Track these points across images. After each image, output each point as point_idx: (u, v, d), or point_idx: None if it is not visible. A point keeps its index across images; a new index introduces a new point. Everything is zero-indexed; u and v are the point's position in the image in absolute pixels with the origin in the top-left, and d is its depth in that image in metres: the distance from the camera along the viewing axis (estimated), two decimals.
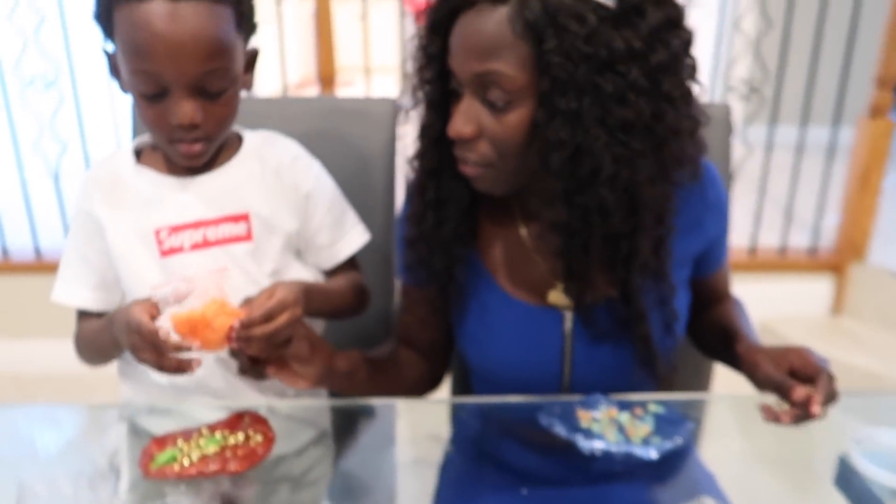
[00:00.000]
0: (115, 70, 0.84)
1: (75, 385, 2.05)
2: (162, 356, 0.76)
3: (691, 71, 0.76)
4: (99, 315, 0.93)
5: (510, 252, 0.90)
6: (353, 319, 1.01)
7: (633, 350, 0.85)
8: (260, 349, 0.77)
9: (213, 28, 0.78)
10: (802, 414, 0.72)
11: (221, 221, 0.89)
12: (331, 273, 1.00)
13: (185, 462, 0.74)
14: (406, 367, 0.99)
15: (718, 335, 0.93)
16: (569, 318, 0.88)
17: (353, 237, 0.99)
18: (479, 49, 0.72)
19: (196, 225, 0.88)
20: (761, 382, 0.78)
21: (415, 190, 0.88)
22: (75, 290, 0.92)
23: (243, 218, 0.90)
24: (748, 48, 2.24)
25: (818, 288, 2.36)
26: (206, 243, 0.89)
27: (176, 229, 0.88)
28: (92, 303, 0.92)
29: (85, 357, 0.95)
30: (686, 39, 0.74)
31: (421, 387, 1.02)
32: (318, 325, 1.02)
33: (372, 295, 1.04)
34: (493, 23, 0.71)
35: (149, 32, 0.76)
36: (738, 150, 1.92)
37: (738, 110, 1.90)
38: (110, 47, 0.83)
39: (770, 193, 2.31)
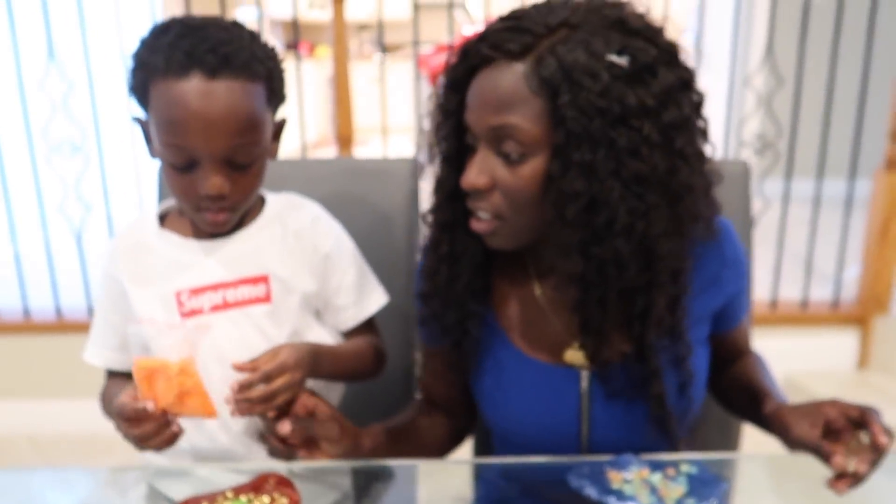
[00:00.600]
0: (147, 136, 0.87)
1: (93, 446, 2.04)
2: (147, 431, 0.77)
3: (703, 131, 0.78)
4: (124, 374, 0.93)
5: (525, 310, 0.90)
6: (372, 380, 1.01)
7: (648, 409, 0.84)
8: (259, 410, 0.79)
9: (244, 106, 0.81)
10: (855, 476, 0.71)
11: (241, 283, 0.90)
12: (349, 334, 1.00)
13: None
14: (427, 430, 0.98)
15: (743, 395, 0.92)
16: (585, 377, 0.87)
17: (373, 299, 0.99)
18: (495, 103, 0.74)
19: (216, 287, 0.89)
20: (795, 444, 0.77)
21: (429, 244, 0.89)
22: (100, 351, 0.95)
23: (262, 280, 0.90)
24: (759, 104, 2.27)
25: (842, 341, 2.32)
26: (225, 305, 0.89)
27: (196, 291, 0.89)
28: (115, 363, 0.95)
29: (106, 415, 0.95)
30: (698, 102, 0.76)
31: (445, 446, 1.01)
32: (337, 388, 1.02)
33: (392, 354, 1.04)
34: (509, 78, 0.73)
35: (183, 109, 0.78)
36: (755, 204, 1.93)
37: (752, 164, 1.91)
38: (143, 116, 0.86)
39: (789, 247, 2.30)
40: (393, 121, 2.50)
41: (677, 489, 0.77)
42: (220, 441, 0.89)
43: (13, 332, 2.31)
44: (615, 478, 0.79)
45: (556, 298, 0.86)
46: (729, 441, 1.18)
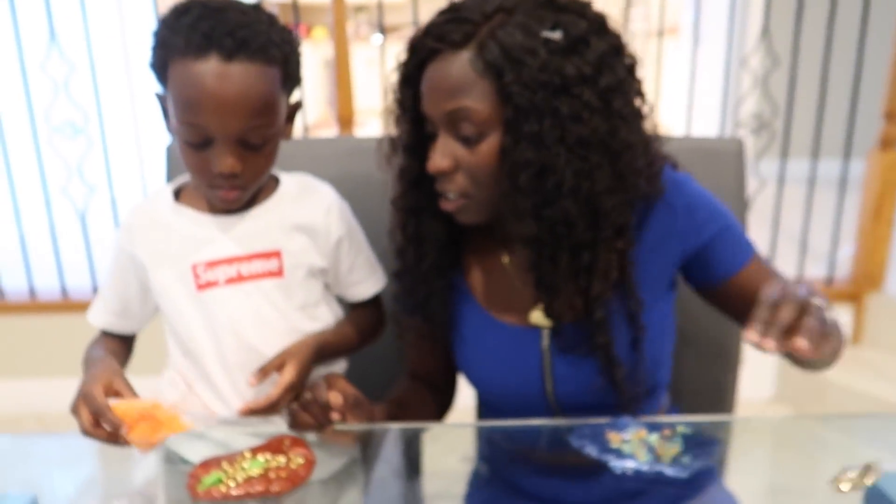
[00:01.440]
0: (165, 113, 0.90)
1: None
2: (98, 428, 0.81)
3: (639, 91, 0.83)
4: (116, 337, 1.00)
5: (494, 278, 0.95)
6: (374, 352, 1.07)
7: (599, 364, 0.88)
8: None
9: (260, 88, 0.83)
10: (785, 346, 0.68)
11: (254, 258, 0.93)
12: (357, 305, 1.04)
13: (231, 483, 0.77)
14: (417, 405, 1.03)
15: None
16: (546, 336, 0.92)
17: (379, 275, 1.04)
18: (447, 90, 0.79)
19: (230, 261, 0.92)
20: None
21: (396, 228, 0.94)
22: (101, 314, 1.00)
23: (275, 255, 0.94)
24: (755, 85, 2.29)
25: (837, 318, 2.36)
26: (239, 278, 0.93)
27: (211, 265, 0.92)
28: (113, 326, 1.00)
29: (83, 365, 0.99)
30: (630, 64, 0.82)
31: (434, 416, 1.06)
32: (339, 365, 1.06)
33: (388, 327, 1.08)
34: (457, 66, 0.79)
35: (200, 89, 0.81)
36: (751, 184, 1.96)
37: (749, 145, 1.93)
38: (161, 92, 0.88)
39: (783, 226, 2.33)
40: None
41: (673, 448, 0.81)
42: (234, 406, 0.92)
43: (19, 311, 2.34)
44: (614, 438, 0.83)
45: (522, 265, 0.91)
46: (723, 406, 1.22)
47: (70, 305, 2.31)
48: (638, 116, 0.83)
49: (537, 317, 0.92)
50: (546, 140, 0.77)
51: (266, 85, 0.84)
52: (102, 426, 0.80)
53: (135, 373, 0.95)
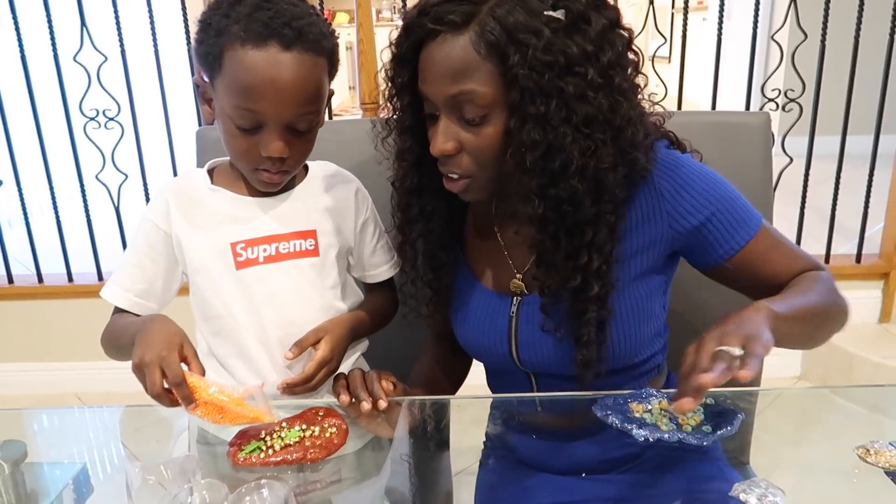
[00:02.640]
0: (203, 99, 0.93)
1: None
2: (164, 395, 0.79)
3: (635, 65, 0.83)
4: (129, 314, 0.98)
5: (487, 248, 0.98)
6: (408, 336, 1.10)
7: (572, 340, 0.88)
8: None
9: (313, 77, 0.87)
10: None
11: (292, 237, 0.96)
12: (373, 286, 1.09)
13: (270, 451, 0.80)
14: (444, 372, 1.08)
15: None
16: (515, 303, 0.94)
17: (397, 261, 1.07)
18: (449, 73, 0.79)
19: (269, 239, 0.96)
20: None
21: (398, 208, 0.96)
22: (120, 293, 0.98)
23: (311, 235, 0.97)
24: (783, 60, 2.26)
25: (866, 296, 2.34)
26: (278, 256, 0.96)
27: (251, 243, 0.95)
28: (133, 307, 0.98)
29: (104, 347, 1.00)
30: (627, 38, 0.81)
31: (460, 376, 1.12)
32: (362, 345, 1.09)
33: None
34: (458, 49, 0.78)
35: (258, 76, 0.84)
36: (780, 161, 1.94)
37: (776, 121, 1.91)
38: (203, 80, 0.91)
39: (812, 203, 2.31)
40: None
41: (695, 418, 0.83)
42: (271, 381, 0.96)
43: (58, 296, 2.41)
44: (637, 408, 0.85)
45: (512, 238, 0.94)
46: (749, 383, 1.22)
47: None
48: (635, 90, 0.83)
49: (516, 285, 0.94)
50: (553, 121, 0.77)
51: (317, 74, 0.88)
52: (169, 394, 0.79)
53: None
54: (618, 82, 0.79)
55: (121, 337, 0.93)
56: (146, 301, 0.98)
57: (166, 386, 0.79)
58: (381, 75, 0.88)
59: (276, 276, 0.96)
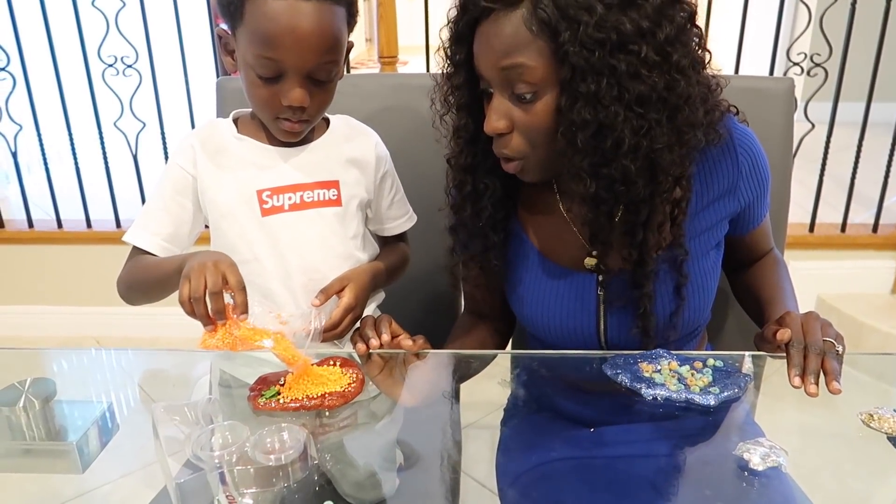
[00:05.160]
0: (225, 49, 0.94)
1: (154, 347, 2.20)
2: (203, 302, 0.81)
3: (699, 40, 0.81)
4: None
5: (551, 226, 0.98)
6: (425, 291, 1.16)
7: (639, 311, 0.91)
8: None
9: (332, 26, 0.88)
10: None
11: (316, 187, 0.99)
12: (388, 239, 1.12)
13: (289, 397, 0.83)
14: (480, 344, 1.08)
15: (753, 302, 1.00)
16: (600, 281, 0.95)
17: (412, 215, 1.12)
18: (502, 49, 0.79)
19: (294, 188, 0.98)
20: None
21: (454, 186, 0.96)
22: (147, 237, 0.98)
23: (334, 185, 1.00)
24: (812, 22, 2.21)
25: (880, 265, 2.33)
26: (303, 204, 0.98)
27: (277, 191, 0.97)
28: (159, 250, 0.98)
29: (127, 286, 1.01)
30: (690, 12, 0.79)
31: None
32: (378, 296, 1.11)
33: (434, 257, 1.11)
34: (511, 26, 0.77)
35: (279, 25, 0.85)
36: (801, 126, 1.91)
37: (800, 86, 1.88)
38: (226, 31, 0.92)
39: (832, 170, 2.29)
40: (432, 41, 2.49)
41: (703, 379, 0.84)
42: (295, 325, 0.98)
43: (77, 241, 2.45)
44: (646, 368, 0.86)
45: (579, 214, 0.93)
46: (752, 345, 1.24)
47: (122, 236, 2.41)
48: (696, 66, 0.81)
49: (591, 262, 0.95)
50: (604, 100, 0.76)
51: (337, 23, 0.89)
52: (207, 303, 0.81)
53: (167, 304, 0.96)
54: (676, 59, 0.77)
55: (154, 272, 0.94)
56: (172, 245, 0.99)
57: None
58: (440, 54, 0.89)
59: (301, 224, 0.98)
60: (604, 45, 0.74)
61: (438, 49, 0.89)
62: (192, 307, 0.81)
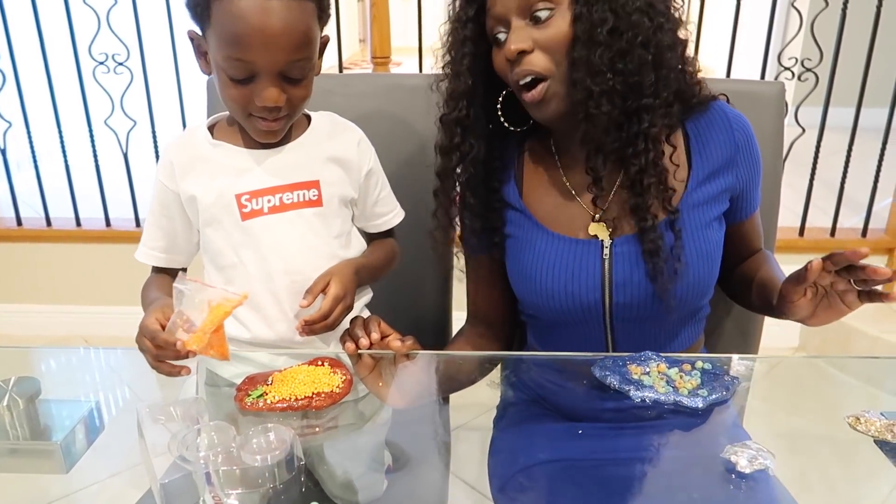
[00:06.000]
0: (198, 52, 0.92)
1: None
2: (166, 356, 0.83)
3: None
4: (168, 272, 1.03)
5: (553, 197, 1.00)
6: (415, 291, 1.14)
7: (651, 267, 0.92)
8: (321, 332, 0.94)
9: (300, 22, 0.86)
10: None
11: (295, 187, 0.97)
12: (375, 235, 1.11)
13: (276, 397, 0.82)
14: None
15: (756, 289, 0.99)
16: (607, 246, 0.96)
17: (400, 212, 1.10)
18: None
19: (273, 190, 0.96)
20: (794, 307, 0.84)
21: (439, 147, 0.99)
22: (146, 251, 1.03)
23: (314, 185, 0.98)
24: (802, 27, 2.22)
25: None
26: (282, 206, 0.97)
27: (255, 194, 0.96)
28: (161, 262, 1.03)
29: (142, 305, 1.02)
30: None
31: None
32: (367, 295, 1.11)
33: (426, 258, 1.12)
34: None
35: (246, 24, 0.83)
36: (792, 131, 1.92)
37: (791, 90, 1.89)
38: (198, 31, 0.91)
39: (822, 175, 2.30)
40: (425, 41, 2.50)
41: (691, 381, 0.84)
42: (279, 329, 0.98)
43: (66, 240, 2.43)
44: (635, 370, 0.87)
45: (581, 183, 0.97)
46: (747, 347, 1.25)
47: (114, 235, 2.40)
48: (678, 20, 0.91)
49: (596, 228, 0.97)
50: (616, 3, 0.85)
51: (306, 19, 0.87)
52: (164, 362, 0.83)
53: None
54: None
55: (144, 302, 0.98)
56: (172, 255, 1.03)
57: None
58: (442, 27, 0.95)
59: (281, 226, 0.97)
60: None
61: (442, 25, 0.94)
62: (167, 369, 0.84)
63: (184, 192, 0.98)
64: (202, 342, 0.79)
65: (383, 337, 0.90)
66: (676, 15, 0.91)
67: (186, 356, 0.82)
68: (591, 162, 0.92)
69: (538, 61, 0.89)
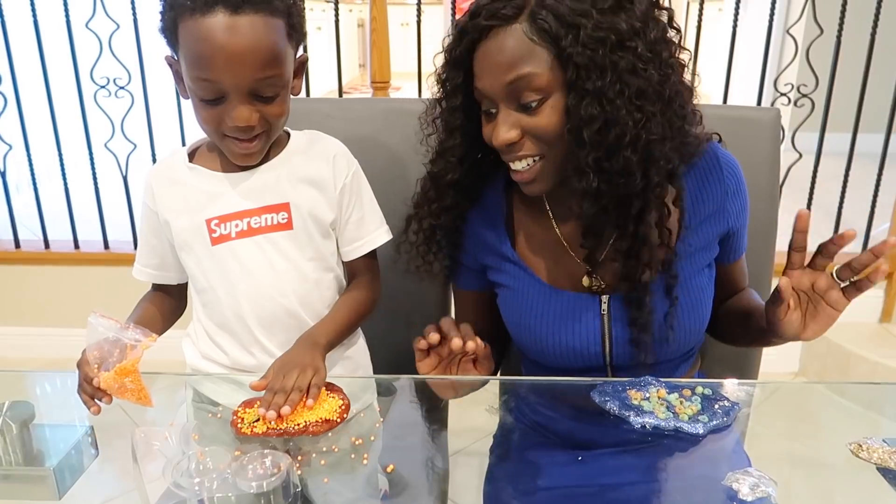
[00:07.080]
0: (177, 77, 0.92)
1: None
2: (84, 390, 0.85)
3: (678, 43, 0.87)
4: (165, 287, 1.06)
5: (547, 251, 0.99)
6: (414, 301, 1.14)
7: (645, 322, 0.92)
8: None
9: (267, 40, 0.85)
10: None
11: (263, 211, 0.96)
12: (352, 262, 1.06)
13: (272, 423, 0.81)
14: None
15: (741, 318, 1.00)
16: (605, 301, 0.95)
17: (378, 235, 1.05)
18: (507, 62, 0.82)
19: (241, 215, 0.95)
20: (779, 325, 0.86)
21: (431, 199, 0.99)
22: (143, 269, 1.06)
23: (283, 208, 0.96)
24: (798, 54, 2.24)
25: (868, 295, 2.32)
26: (250, 230, 0.96)
27: (224, 218, 0.96)
28: (155, 279, 1.05)
29: None
30: (669, 16, 0.86)
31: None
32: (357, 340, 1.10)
33: (418, 288, 1.11)
34: (512, 39, 0.81)
35: (210, 44, 0.83)
36: (788, 156, 1.92)
37: (787, 116, 1.90)
38: (173, 56, 0.91)
39: (819, 200, 2.30)
40: (425, 67, 2.51)
41: (692, 407, 0.84)
42: (256, 353, 0.97)
43: (64, 262, 2.43)
44: (635, 396, 0.86)
45: (574, 235, 0.95)
46: (747, 376, 1.24)
47: (112, 258, 2.39)
48: (681, 67, 0.87)
49: (587, 282, 0.96)
50: (608, 94, 0.80)
51: (272, 36, 0.86)
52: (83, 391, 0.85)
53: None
54: (665, 56, 0.83)
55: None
56: (164, 272, 1.05)
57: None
58: (432, 80, 0.92)
59: (249, 251, 0.96)
60: (604, 44, 0.79)
61: (430, 76, 0.92)
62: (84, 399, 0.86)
63: (160, 216, 0.98)
64: (112, 387, 0.81)
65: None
66: (678, 56, 0.87)
67: (102, 395, 0.83)
68: (588, 241, 0.91)
69: (529, 146, 0.87)
